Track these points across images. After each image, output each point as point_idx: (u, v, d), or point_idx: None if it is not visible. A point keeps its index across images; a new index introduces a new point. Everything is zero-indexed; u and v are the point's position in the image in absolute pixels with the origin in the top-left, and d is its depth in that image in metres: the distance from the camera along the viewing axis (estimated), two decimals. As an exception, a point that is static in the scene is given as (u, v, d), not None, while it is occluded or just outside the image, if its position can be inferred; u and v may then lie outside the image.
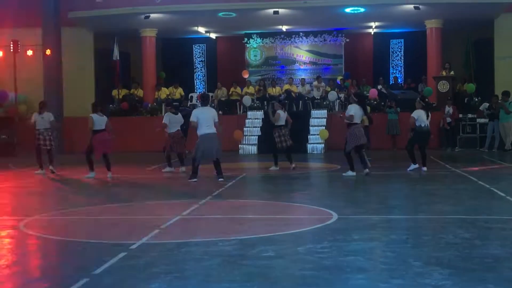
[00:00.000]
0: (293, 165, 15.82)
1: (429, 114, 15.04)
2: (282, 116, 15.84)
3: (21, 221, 9.01)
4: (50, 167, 15.86)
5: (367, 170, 14.14)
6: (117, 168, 16.72)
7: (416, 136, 15.02)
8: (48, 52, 23.27)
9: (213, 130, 13.35)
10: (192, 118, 13.43)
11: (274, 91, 25.32)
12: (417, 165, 14.98)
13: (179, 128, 15.82)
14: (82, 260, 6.74)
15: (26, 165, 17.73)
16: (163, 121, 15.79)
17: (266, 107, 23.97)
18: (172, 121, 15.69)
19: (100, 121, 14.69)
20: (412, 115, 14.94)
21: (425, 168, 14.94)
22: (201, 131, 13.33)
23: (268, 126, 21.98)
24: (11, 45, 24.00)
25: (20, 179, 15.21)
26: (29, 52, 24.52)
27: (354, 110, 14.08)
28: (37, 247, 7.56)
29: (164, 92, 25.61)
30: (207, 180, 13.81)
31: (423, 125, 14.86)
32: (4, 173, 16.63)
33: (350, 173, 14.13)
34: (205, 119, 13.32)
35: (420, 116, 14.81)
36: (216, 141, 13.44)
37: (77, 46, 25.29)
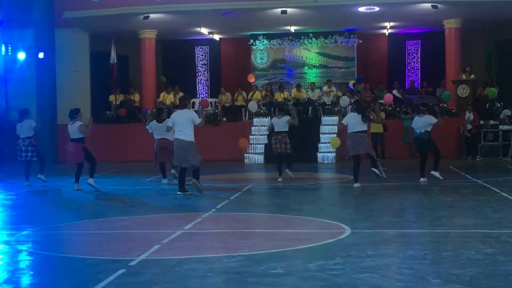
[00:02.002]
0: (292, 175, 15.95)
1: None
2: (276, 122, 16.03)
3: (12, 236, 9.04)
4: (26, 182, 15.95)
5: (375, 170, 14.30)
6: (115, 179, 16.77)
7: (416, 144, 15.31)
8: (41, 55, 23.35)
9: (184, 136, 13.22)
10: (168, 122, 13.78)
11: (282, 96, 25.33)
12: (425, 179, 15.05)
13: (165, 136, 15.61)
14: (78, 277, 6.76)
15: (16, 176, 17.76)
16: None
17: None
18: (154, 128, 15.75)
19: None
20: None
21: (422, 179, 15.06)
22: (174, 136, 13.57)
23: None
24: (2, 47, 24.09)
25: (10, 190, 15.25)
26: (21, 55, 24.60)
27: (348, 119, 14.30)
28: (29, 264, 7.57)
29: (166, 98, 25.59)
30: (209, 192, 13.82)
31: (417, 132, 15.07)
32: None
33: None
34: (178, 123, 13.36)
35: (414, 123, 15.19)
36: (187, 148, 13.24)
37: (71, 49, 25.32)
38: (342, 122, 14.40)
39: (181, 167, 13.60)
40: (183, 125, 13.26)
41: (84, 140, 14.61)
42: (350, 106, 24.04)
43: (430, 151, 15.09)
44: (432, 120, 14.92)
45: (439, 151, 15.16)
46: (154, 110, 17.39)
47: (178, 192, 13.48)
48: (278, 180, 15.91)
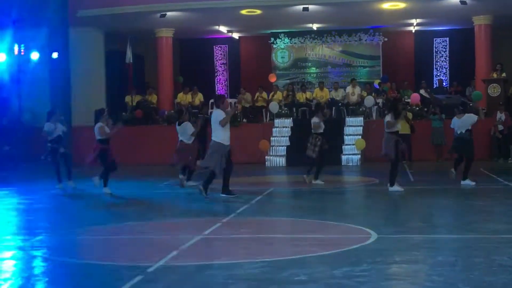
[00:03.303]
0: (308, 180, 15.82)
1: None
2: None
3: (27, 241, 9.11)
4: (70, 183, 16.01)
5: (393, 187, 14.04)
6: (131, 182, 16.84)
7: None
8: (55, 55, 23.51)
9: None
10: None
11: (304, 96, 25.30)
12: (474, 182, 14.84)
13: (182, 139, 15.67)
14: (94, 284, 6.80)
15: (32, 179, 17.90)
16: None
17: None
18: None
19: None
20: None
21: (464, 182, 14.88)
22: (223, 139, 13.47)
23: (299, 136, 22.00)
24: (15, 47, 24.29)
25: (25, 194, 15.36)
26: (34, 55, 24.78)
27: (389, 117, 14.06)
28: (44, 270, 7.62)
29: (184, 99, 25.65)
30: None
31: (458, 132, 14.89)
32: (9, 188, 16.79)
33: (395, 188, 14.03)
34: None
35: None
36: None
37: (86, 48, 25.49)
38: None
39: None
40: (213, 126, 13.34)
41: (106, 142, 14.52)
42: (375, 107, 24.03)
43: (467, 152, 14.87)
44: (474, 118, 14.86)
45: (473, 157, 15.00)
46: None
47: (222, 195, 13.46)
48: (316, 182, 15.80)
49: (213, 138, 13.25)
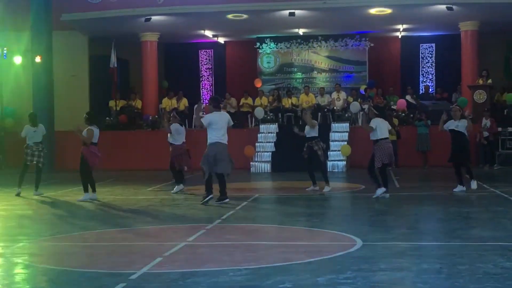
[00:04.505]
0: (312, 188, 15.77)
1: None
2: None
3: (7, 248, 9.05)
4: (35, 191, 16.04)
5: (382, 192, 14.03)
6: (115, 188, 16.78)
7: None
8: (38, 58, 23.43)
9: (226, 140, 13.58)
10: (205, 122, 13.62)
11: (290, 102, 25.34)
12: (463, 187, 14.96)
13: (172, 142, 15.88)
14: (76, 291, 6.77)
15: (14, 184, 17.79)
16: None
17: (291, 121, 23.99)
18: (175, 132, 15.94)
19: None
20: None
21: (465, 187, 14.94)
22: (216, 139, 13.61)
23: (284, 142, 22.04)
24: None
25: (6, 200, 15.28)
26: (17, 59, 24.69)
27: (376, 123, 14.05)
28: (25, 277, 7.58)
29: (169, 104, 25.64)
30: (214, 201, 13.82)
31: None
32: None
33: (380, 191, 14.06)
34: (222, 125, 13.59)
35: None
36: (227, 153, 13.57)
37: (70, 52, 25.46)
38: (371, 125, 14.13)
39: (210, 174, 13.46)
40: (224, 128, 13.50)
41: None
42: (362, 112, 24.07)
43: (465, 156, 14.99)
44: (465, 123, 14.98)
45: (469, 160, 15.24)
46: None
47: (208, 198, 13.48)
48: (311, 189, 15.82)
49: (225, 140, 13.46)
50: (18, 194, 15.87)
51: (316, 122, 16.21)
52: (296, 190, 15.76)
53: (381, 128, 14.02)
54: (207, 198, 13.39)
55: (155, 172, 20.83)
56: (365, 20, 24.86)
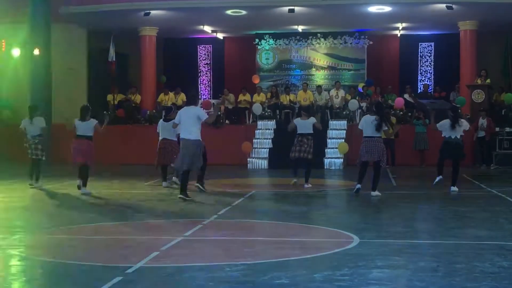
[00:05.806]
0: (306, 185, 15.77)
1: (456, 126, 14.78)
2: (300, 123, 15.80)
3: (3, 240, 9.05)
4: (33, 182, 16.00)
5: (374, 193, 14.07)
6: (112, 182, 16.77)
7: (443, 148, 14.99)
8: (36, 51, 23.38)
9: (191, 135, 13.20)
10: (175, 119, 13.62)
11: (288, 98, 25.32)
12: (441, 177, 14.93)
13: (167, 137, 15.73)
14: (72, 284, 6.76)
15: (8, 177, 17.78)
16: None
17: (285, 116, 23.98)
18: (160, 127, 15.87)
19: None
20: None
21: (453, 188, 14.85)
22: (181, 135, 13.69)
23: (282, 138, 22.03)
24: (-4, 43, 24.19)
25: (3, 192, 15.25)
26: (16, 51, 24.64)
27: (365, 122, 14.13)
28: (21, 269, 7.58)
29: (165, 99, 25.61)
30: (211, 197, 13.82)
31: (452, 137, 14.80)
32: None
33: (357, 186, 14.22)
34: (184, 121, 13.30)
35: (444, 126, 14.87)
36: (194, 149, 13.29)
37: (68, 45, 25.37)
38: (359, 127, 14.21)
39: (184, 170, 13.43)
40: (188, 123, 13.15)
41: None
42: (359, 110, 24.08)
43: (459, 155, 14.94)
44: (467, 124, 14.94)
45: (463, 159, 15.20)
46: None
47: (180, 196, 13.35)
48: (294, 182, 15.83)
49: (197, 138, 13.20)
50: (32, 186, 15.84)
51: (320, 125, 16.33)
52: (293, 187, 15.76)
53: (364, 126, 14.12)
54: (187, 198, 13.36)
55: (152, 167, 20.80)
56: (364, 18, 24.83)
